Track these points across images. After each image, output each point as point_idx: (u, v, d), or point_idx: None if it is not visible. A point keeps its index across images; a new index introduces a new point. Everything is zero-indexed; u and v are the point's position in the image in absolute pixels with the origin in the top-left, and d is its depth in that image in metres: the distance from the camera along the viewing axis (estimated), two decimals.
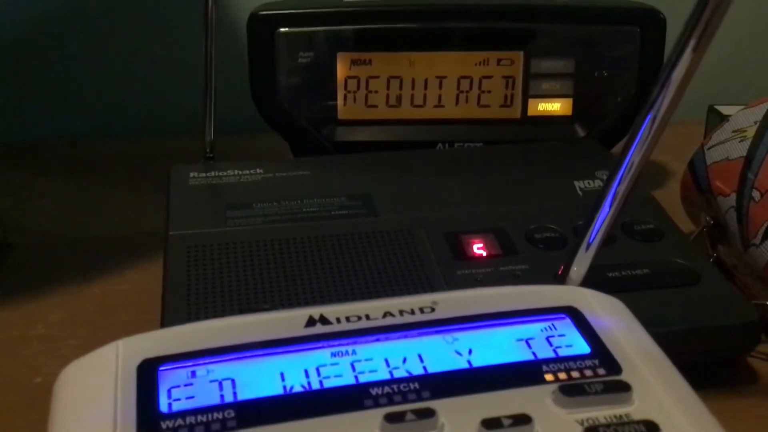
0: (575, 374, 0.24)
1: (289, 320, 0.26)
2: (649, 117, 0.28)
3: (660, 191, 0.53)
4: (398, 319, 0.26)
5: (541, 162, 0.48)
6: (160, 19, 0.67)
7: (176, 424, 0.22)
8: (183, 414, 0.22)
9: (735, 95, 0.60)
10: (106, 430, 0.22)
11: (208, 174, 0.45)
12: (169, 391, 0.23)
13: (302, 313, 0.26)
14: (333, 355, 0.25)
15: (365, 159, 0.48)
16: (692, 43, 0.26)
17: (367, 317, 0.26)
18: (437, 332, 0.26)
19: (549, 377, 0.24)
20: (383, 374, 0.24)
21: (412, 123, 0.53)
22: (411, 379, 0.24)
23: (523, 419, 0.22)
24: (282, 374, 0.24)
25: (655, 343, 0.26)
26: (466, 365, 0.24)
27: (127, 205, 0.53)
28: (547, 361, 0.24)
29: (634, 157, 0.28)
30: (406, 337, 0.25)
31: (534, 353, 0.25)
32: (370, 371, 0.24)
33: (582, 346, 0.25)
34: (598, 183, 0.45)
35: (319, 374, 0.24)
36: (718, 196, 0.42)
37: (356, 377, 0.24)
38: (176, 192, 0.44)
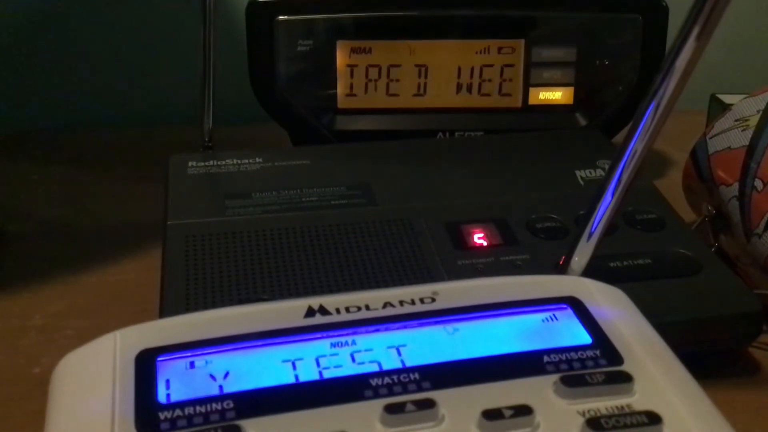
0: (576, 365, 0.24)
1: (289, 310, 0.26)
2: (652, 106, 0.27)
3: (662, 181, 0.53)
4: (398, 310, 0.26)
5: (543, 151, 0.48)
6: (158, 7, 0.66)
7: (174, 415, 0.22)
8: (181, 404, 0.22)
9: (737, 84, 0.59)
10: (104, 420, 0.22)
11: (206, 163, 0.45)
12: (167, 381, 0.23)
13: (301, 304, 0.26)
14: (332, 345, 0.25)
15: (365, 148, 0.48)
16: (695, 31, 0.26)
17: (367, 307, 0.26)
18: (437, 322, 0.26)
19: (550, 368, 0.24)
20: (383, 365, 0.24)
21: (412, 112, 0.53)
22: (411, 369, 0.24)
23: (524, 410, 0.22)
24: (281, 365, 0.24)
25: (657, 333, 0.26)
26: (466, 356, 0.24)
27: (125, 195, 0.53)
28: (548, 351, 0.24)
29: (636, 146, 0.28)
30: (406, 327, 0.25)
31: (535, 344, 0.25)
32: (370, 362, 0.24)
33: (583, 337, 0.25)
34: (599, 172, 0.44)
35: (318, 365, 0.24)
36: (720, 186, 0.42)
37: (356, 368, 0.24)
38: (175, 181, 0.44)
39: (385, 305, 0.26)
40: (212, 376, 0.24)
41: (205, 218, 0.40)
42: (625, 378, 0.23)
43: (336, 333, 0.25)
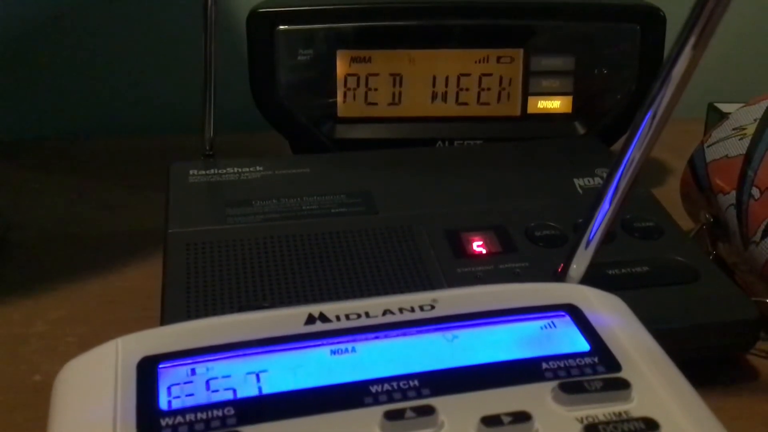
0: (575, 372, 0.24)
1: (289, 318, 0.26)
2: (649, 114, 0.28)
3: (660, 189, 0.53)
4: (398, 317, 0.26)
5: (541, 159, 0.48)
6: (160, 16, 0.67)
7: (176, 422, 0.22)
8: (183, 411, 0.22)
9: (735, 93, 0.60)
10: (106, 427, 0.22)
11: (207, 171, 0.45)
12: (168, 388, 0.23)
13: (302, 311, 0.26)
14: (333, 352, 0.25)
15: (365, 156, 0.48)
16: (692, 40, 0.26)
17: (367, 315, 0.26)
18: (437, 330, 0.26)
19: (549, 374, 0.24)
20: (383, 372, 0.24)
21: (411, 120, 0.53)
22: (411, 376, 0.24)
23: (522, 417, 0.22)
24: (281, 372, 0.24)
25: (655, 340, 0.26)
26: (465, 363, 0.24)
27: (126, 203, 0.53)
28: (546, 358, 0.24)
29: (633, 154, 0.28)
30: (405, 334, 0.25)
31: (533, 351, 0.25)
32: (370, 369, 0.24)
33: (581, 344, 0.25)
34: (597, 180, 0.45)
35: (318, 372, 0.24)
36: (718, 194, 0.42)
37: (356, 375, 0.24)
38: (176, 189, 0.44)
39: (384, 312, 0.26)
40: (213, 383, 0.24)
41: (205, 226, 0.40)
42: (623, 385, 0.23)
43: (336, 340, 0.25)
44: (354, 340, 0.25)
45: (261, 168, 0.46)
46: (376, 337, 0.25)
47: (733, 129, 0.43)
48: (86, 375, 0.24)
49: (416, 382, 0.23)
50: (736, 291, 0.37)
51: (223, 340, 0.25)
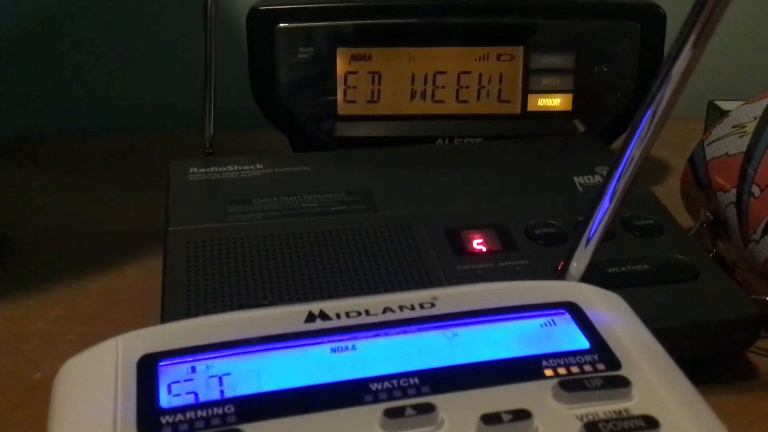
0: (575, 369, 0.24)
1: (289, 316, 0.26)
2: (649, 112, 0.28)
3: (660, 187, 0.53)
4: (398, 315, 0.26)
5: (541, 157, 0.48)
6: (159, 13, 0.67)
7: (176, 419, 0.22)
8: (183, 409, 0.22)
9: (735, 91, 0.60)
10: (106, 425, 0.22)
11: (207, 170, 0.45)
12: (169, 386, 0.23)
13: (302, 309, 0.26)
14: (333, 350, 0.25)
15: (365, 154, 0.48)
16: (692, 38, 0.26)
17: (367, 313, 0.26)
18: (437, 327, 0.26)
19: (548, 372, 0.24)
20: (383, 369, 0.24)
21: (411, 118, 0.53)
22: (411, 374, 0.24)
23: (522, 414, 0.22)
24: (281, 370, 0.24)
25: (655, 338, 0.26)
26: (465, 360, 0.25)
27: (126, 201, 0.53)
28: (546, 356, 0.24)
29: (633, 152, 0.28)
30: (405, 332, 0.26)
31: (533, 348, 0.25)
32: (370, 366, 0.24)
33: (581, 342, 0.25)
34: (597, 178, 0.45)
35: (318, 370, 0.24)
36: (718, 192, 0.42)
37: (356, 372, 0.24)
38: (176, 188, 0.44)
39: (385, 310, 0.26)
40: (213, 381, 0.24)
41: (205, 224, 0.40)
42: (623, 383, 0.23)
43: (336, 338, 0.25)
44: (354, 338, 0.25)
45: (261, 166, 0.46)
46: (376, 335, 0.25)
47: (733, 127, 0.43)
48: (86, 373, 0.24)
49: (416, 380, 0.23)
50: (736, 289, 0.37)
51: (224, 337, 0.25)
